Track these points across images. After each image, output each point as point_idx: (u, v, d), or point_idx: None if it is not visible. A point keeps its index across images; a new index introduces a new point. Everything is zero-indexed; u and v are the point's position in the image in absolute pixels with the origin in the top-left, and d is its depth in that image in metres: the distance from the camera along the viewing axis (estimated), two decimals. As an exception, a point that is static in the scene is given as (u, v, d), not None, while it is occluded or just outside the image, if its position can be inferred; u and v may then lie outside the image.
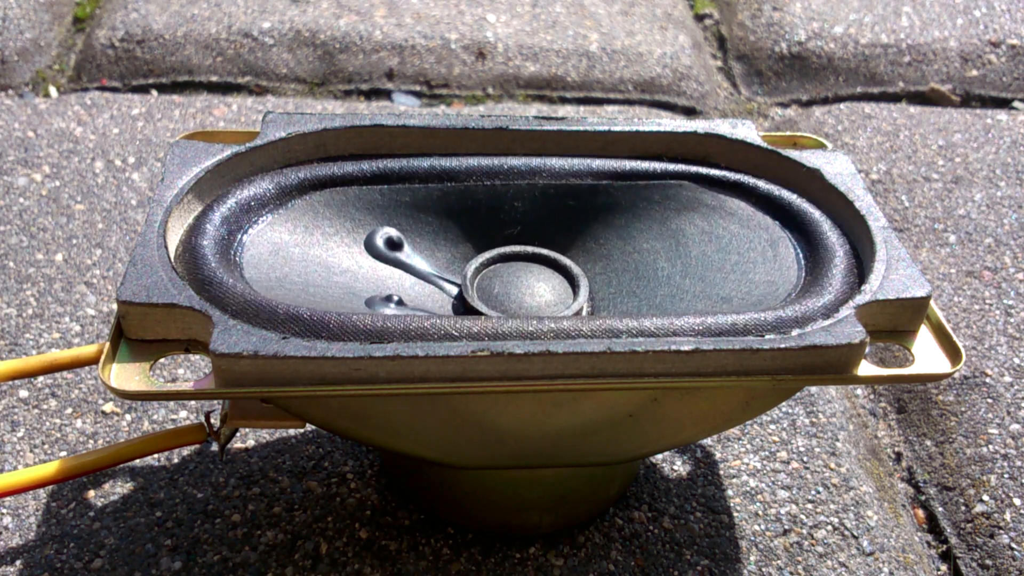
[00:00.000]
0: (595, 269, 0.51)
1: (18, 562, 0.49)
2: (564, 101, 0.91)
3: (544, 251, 0.50)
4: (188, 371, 0.60)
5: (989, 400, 0.62)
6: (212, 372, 0.39)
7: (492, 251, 0.50)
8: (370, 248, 0.50)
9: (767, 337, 0.41)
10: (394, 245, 0.50)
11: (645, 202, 0.52)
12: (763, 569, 0.52)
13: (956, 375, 0.63)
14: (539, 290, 0.48)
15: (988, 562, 0.54)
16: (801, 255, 0.48)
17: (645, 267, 0.50)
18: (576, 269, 0.49)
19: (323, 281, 0.47)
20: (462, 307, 0.48)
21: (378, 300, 0.47)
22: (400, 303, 0.47)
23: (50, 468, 0.47)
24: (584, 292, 0.48)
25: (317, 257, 0.48)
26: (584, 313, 0.48)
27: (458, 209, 0.51)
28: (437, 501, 0.52)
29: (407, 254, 0.50)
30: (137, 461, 0.54)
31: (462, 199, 0.51)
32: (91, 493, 0.53)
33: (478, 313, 0.46)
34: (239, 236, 0.46)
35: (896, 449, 0.62)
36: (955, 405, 0.62)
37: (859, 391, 0.65)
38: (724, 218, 0.51)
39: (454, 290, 0.49)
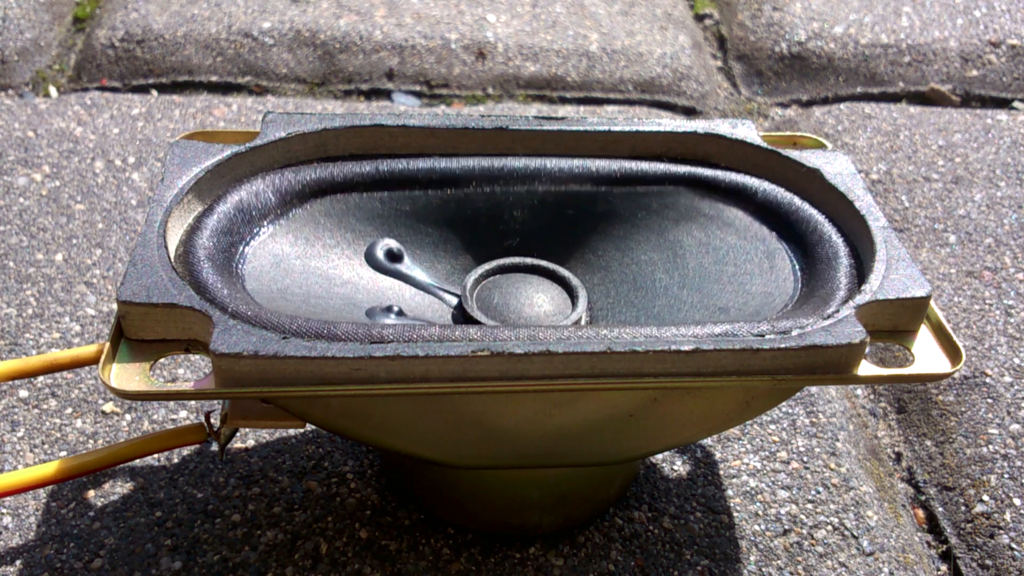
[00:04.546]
0: (593, 280, 0.51)
1: (18, 562, 0.49)
2: (564, 101, 0.91)
3: (543, 263, 0.50)
4: (188, 371, 0.60)
5: (989, 400, 0.62)
6: (212, 372, 0.39)
7: (492, 263, 0.50)
8: (370, 260, 0.50)
9: (767, 337, 0.41)
10: (394, 257, 0.50)
11: (643, 211, 0.52)
12: (763, 569, 0.52)
13: (956, 375, 0.63)
14: (538, 300, 0.48)
15: (988, 562, 0.54)
16: (798, 267, 0.48)
17: (643, 278, 0.50)
18: (574, 280, 0.50)
19: (324, 292, 0.47)
20: (462, 317, 0.48)
21: (378, 311, 0.47)
22: (400, 314, 0.47)
23: (50, 468, 0.47)
24: (582, 302, 0.48)
25: (318, 269, 0.48)
26: (582, 323, 0.48)
27: (458, 219, 0.51)
28: (437, 501, 0.52)
29: (407, 266, 0.50)
30: (137, 461, 0.54)
31: (462, 207, 0.51)
32: (91, 493, 0.53)
33: (477, 323, 0.46)
34: (240, 248, 0.46)
35: (896, 449, 0.62)
36: (955, 405, 0.62)
37: (859, 391, 0.65)
38: (721, 229, 0.51)
39: (454, 300, 0.49)
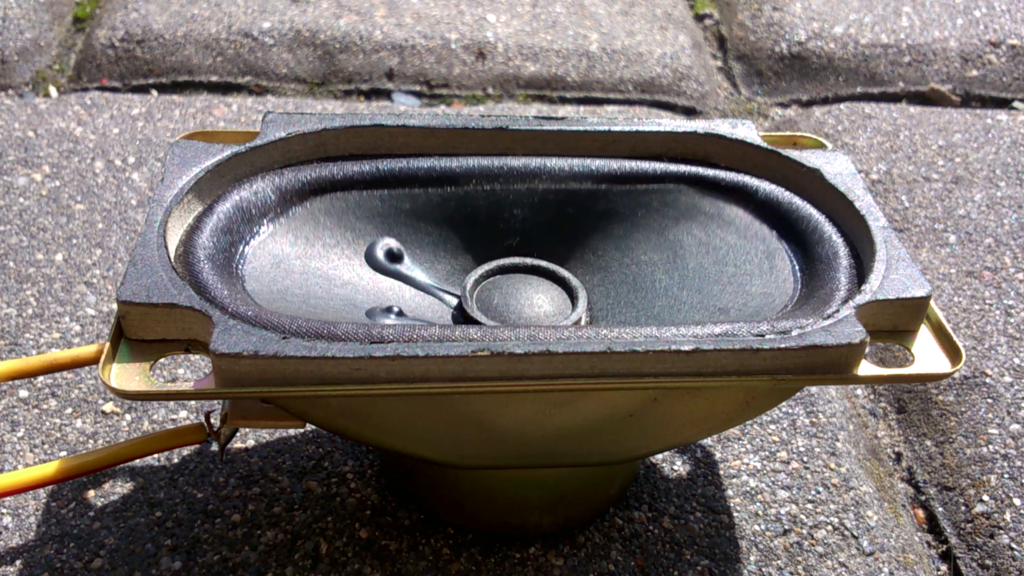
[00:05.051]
0: (593, 280, 0.51)
1: (18, 562, 0.49)
2: (564, 101, 0.91)
3: (543, 263, 0.50)
4: (188, 371, 0.60)
5: (989, 400, 0.62)
6: (212, 372, 0.39)
7: (492, 263, 0.50)
8: (370, 260, 0.50)
9: (767, 337, 0.41)
10: (394, 257, 0.50)
11: (644, 209, 0.52)
12: (763, 569, 0.52)
13: (956, 375, 0.63)
14: (538, 301, 0.48)
15: (988, 562, 0.54)
16: (797, 267, 0.48)
17: (643, 278, 0.50)
18: (574, 281, 0.50)
19: (324, 293, 0.47)
20: (462, 318, 0.48)
21: (378, 311, 0.47)
22: (400, 314, 0.47)
23: (50, 468, 0.47)
24: (582, 303, 0.48)
25: (318, 269, 0.48)
26: (582, 324, 0.48)
27: (458, 217, 0.51)
28: (437, 501, 0.52)
29: (407, 266, 0.50)
30: (137, 461, 0.54)
31: (462, 205, 0.51)
32: (91, 493, 0.53)
33: (477, 323, 0.46)
34: (240, 247, 0.46)
35: (896, 449, 0.62)
36: (955, 405, 0.62)
37: (859, 391, 0.65)
38: (722, 228, 0.51)
39: (454, 301, 0.49)
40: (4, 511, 0.52)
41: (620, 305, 0.50)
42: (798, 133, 0.56)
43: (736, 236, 0.50)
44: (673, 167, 0.52)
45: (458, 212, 0.51)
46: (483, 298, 0.48)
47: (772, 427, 0.59)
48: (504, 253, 0.52)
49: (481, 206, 0.52)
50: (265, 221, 0.48)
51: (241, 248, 0.46)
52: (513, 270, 0.50)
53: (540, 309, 0.48)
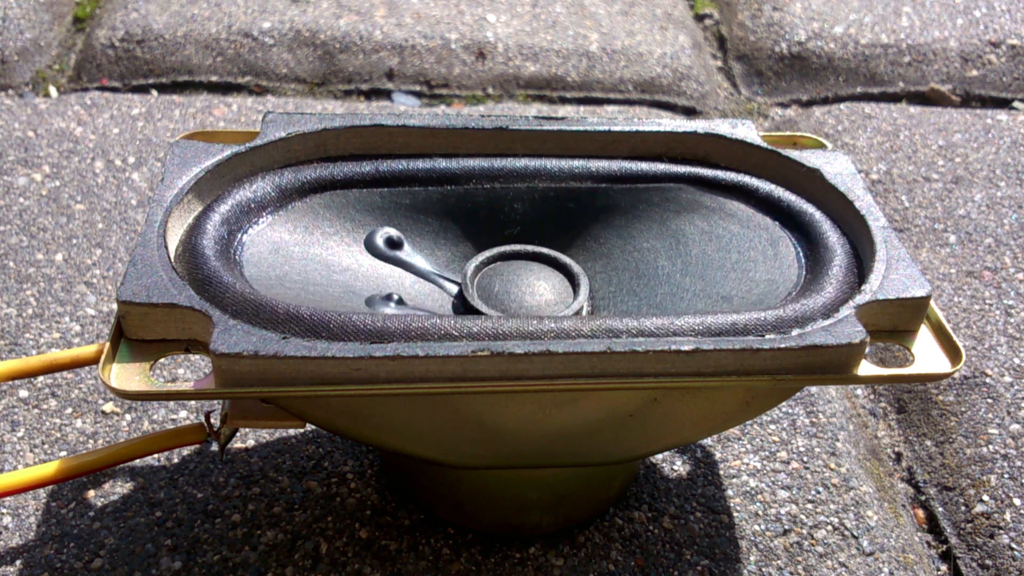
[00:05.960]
0: (595, 268, 0.51)
1: (18, 562, 0.49)
2: (564, 101, 0.91)
3: (544, 250, 0.50)
4: (188, 371, 0.60)
5: (989, 400, 0.62)
6: (212, 372, 0.39)
7: (492, 250, 0.50)
8: (370, 247, 0.50)
9: (767, 337, 0.41)
10: (394, 244, 0.50)
11: (645, 204, 0.52)
12: (763, 569, 0.52)
13: (956, 375, 0.63)
14: (539, 289, 0.48)
15: (988, 562, 0.54)
16: (802, 254, 0.48)
17: (645, 265, 0.50)
18: (576, 268, 0.49)
19: (323, 279, 0.47)
20: (462, 306, 0.48)
21: (378, 299, 0.46)
22: (400, 302, 0.47)
23: (50, 468, 0.47)
24: (584, 291, 0.48)
25: (317, 256, 0.48)
26: (584, 312, 0.48)
27: (458, 210, 0.51)
28: (437, 501, 0.52)
29: (407, 253, 0.50)
30: (137, 461, 0.54)
31: (462, 201, 0.51)
32: (91, 493, 0.53)
33: (478, 312, 0.46)
34: (239, 236, 0.46)
35: (896, 449, 0.62)
36: (955, 405, 0.62)
37: (859, 391, 0.65)
38: (724, 219, 0.51)
39: (454, 288, 0.49)
40: (4, 511, 0.52)
41: (622, 293, 0.50)
42: (798, 133, 0.56)
43: (739, 226, 0.50)
44: (673, 169, 0.52)
45: (458, 207, 0.51)
46: (484, 286, 0.48)
47: (772, 427, 0.59)
48: (505, 241, 0.51)
49: (482, 201, 0.51)
50: (264, 214, 0.48)
51: (240, 236, 0.46)
52: (514, 257, 0.50)
53: (542, 297, 0.47)
